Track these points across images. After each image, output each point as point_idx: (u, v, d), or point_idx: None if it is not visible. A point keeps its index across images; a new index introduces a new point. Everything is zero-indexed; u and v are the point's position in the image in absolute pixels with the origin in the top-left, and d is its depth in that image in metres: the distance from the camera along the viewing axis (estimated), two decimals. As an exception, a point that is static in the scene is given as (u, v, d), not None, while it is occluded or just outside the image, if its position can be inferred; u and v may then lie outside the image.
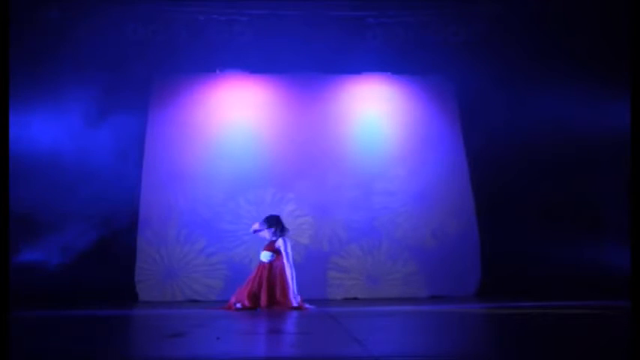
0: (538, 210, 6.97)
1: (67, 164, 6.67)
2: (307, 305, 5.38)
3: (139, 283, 6.76)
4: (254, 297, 5.32)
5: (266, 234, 5.60)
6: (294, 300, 5.32)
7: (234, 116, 7.41)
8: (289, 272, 5.42)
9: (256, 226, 5.67)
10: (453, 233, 7.16)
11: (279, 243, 5.51)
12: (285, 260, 5.45)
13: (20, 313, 4.63)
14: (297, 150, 7.29)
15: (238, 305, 5.28)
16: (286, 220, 7.12)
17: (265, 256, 5.50)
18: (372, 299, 6.73)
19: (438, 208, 7.22)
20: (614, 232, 6.51)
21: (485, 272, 7.01)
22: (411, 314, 4.67)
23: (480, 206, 7.24)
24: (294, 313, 4.85)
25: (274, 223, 5.62)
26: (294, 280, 5.43)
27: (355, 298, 6.86)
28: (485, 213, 7.19)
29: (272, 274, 5.42)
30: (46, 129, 6.73)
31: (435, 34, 7.34)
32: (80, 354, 2.55)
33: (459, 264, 7.02)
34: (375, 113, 7.59)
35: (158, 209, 6.99)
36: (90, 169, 6.70)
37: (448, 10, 7.24)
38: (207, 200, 7.01)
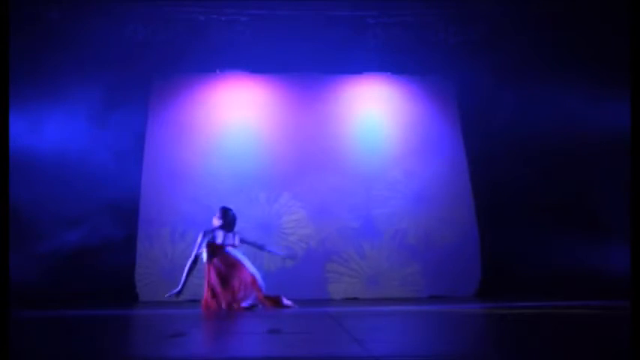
0: (538, 210, 6.96)
1: (67, 164, 6.68)
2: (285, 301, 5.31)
3: (139, 283, 6.76)
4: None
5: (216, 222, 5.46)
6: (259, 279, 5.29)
7: (234, 116, 7.41)
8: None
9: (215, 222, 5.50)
10: (453, 233, 7.16)
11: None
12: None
13: (20, 313, 4.63)
14: (297, 150, 7.30)
15: (243, 304, 5.23)
16: (286, 220, 7.19)
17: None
18: (372, 299, 6.74)
19: (437, 208, 7.22)
20: (615, 232, 6.50)
21: (485, 272, 7.01)
22: (411, 314, 4.67)
23: (480, 206, 7.24)
24: (294, 314, 4.84)
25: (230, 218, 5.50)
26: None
27: (355, 298, 6.86)
28: (485, 213, 7.19)
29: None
30: (46, 129, 6.73)
31: (435, 34, 7.33)
32: (80, 354, 2.55)
33: (459, 264, 7.02)
34: (375, 113, 7.59)
35: (158, 209, 6.99)
36: (89, 169, 6.71)
37: (448, 10, 7.24)
38: (207, 200, 7.01)
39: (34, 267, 6.33)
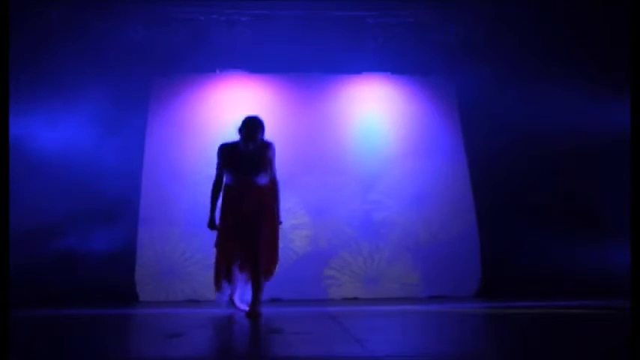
0: (538, 210, 6.97)
1: (67, 164, 6.68)
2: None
3: (139, 283, 6.76)
4: None
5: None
6: None
7: (234, 116, 7.40)
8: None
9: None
10: (453, 233, 7.16)
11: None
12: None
13: (20, 313, 4.63)
14: (296, 150, 7.29)
15: None
16: (286, 220, 7.15)
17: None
18: (372, 299, 6.73)
19: (437, 208, 7.22)
20: (615, 231, 6.51)
21: (486, 272, 7.00)
22: (411, 314, 4.67)
23: (480, 206, 7.24)
24: (294, 314, 4.84)
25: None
26: None
27: (355, 298, 6.86)
28: (486, 213, 7.18)
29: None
30: (46, 129, 6.74)
31: (435, 34, 7.34)
32: (80, 354, 2.55)
33: (459, 264, 7.01)
34: (375, 113, 7.59)
35: (158, 209, 6.98)
36: (90, 169, 6.71)
37: (448, 10, 7.25)
38: (207, 200, 6.99)
39: (33, 267, 6.33)
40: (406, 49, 7.33)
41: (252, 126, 4.51)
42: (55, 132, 6.73)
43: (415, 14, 7.24)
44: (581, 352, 2.45)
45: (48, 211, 6.50)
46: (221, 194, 4.59)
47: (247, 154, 4.47)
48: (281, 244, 6.94)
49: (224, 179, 4.60)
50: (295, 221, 7.10)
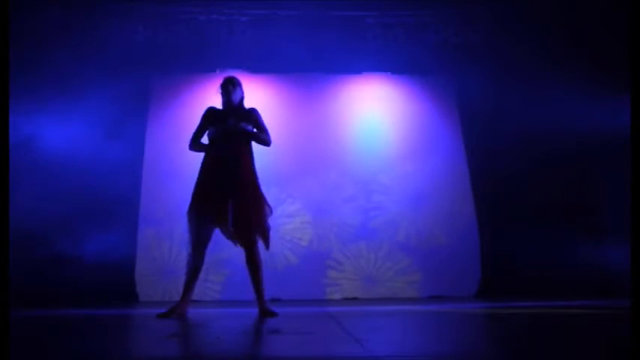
0: (538, 210, 6.97)
1: (67, 164, 6.68)
2: None
3: (139, 283, 6.76)
4: None
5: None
6: None
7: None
8: None
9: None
10: (452, 233, 7.16)
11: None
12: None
13: (20, 312, 4.63)
14: (296, 150, 7.29)
15: None
16: (285, 220, 7.17)
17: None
18: (372, 299, 6.74)
19: (437, 208, 7.22)
20: (615, 231, 6.51)
21: (486, 272, 7.01)
22: (411, 314, 4.67)
23: (480, 206, 7.24)
24: (294, 314, 4.84)
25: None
26: None
27: (355, 298, 6.86)
28: (486, 213, 7.19)
29: None
30: (45, 130, 6.74)
31: (435, 34, 7.34)
32: (80, 354, 2.55)
33: (459, 264, 7.02)
34: (375, 113, 7.59)
35: (158, 209, 6.99)
36: (90, 169, 6.71)
37: (448, 10, 7.25)
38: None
39: (33, 267, 6.33)
40: (406, 49, 7.33)
41: (228, 82, 4.71)
42: (55, 132, 6.73)
43: (415, 14, 7.25)
44: (581, 352, 2.44)
45: (48, 210, 6.50)
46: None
47: (229, 111, 4.66)
48: (279, 245, 6.93)
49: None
50: (295, 221, 7.10)
